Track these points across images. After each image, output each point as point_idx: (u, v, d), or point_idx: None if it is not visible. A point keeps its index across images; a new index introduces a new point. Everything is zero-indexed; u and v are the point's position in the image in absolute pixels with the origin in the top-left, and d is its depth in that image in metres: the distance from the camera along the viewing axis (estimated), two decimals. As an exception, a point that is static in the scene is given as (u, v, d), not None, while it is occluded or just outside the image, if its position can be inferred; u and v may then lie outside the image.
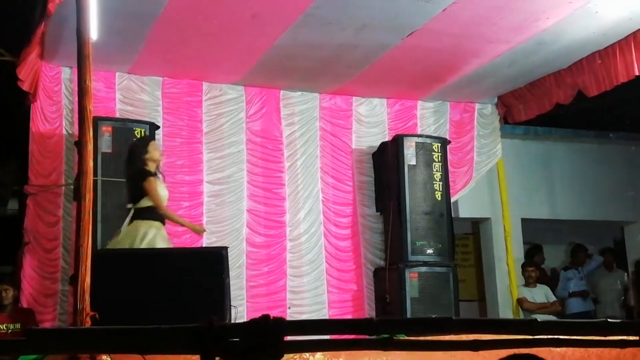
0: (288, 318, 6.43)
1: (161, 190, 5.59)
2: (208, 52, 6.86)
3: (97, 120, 6.35)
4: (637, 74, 6.67)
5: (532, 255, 8.92)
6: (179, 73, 7.36)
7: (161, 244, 5.40)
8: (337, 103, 8.12)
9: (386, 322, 2.20)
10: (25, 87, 6.53)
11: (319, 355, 3.71)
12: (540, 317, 7.15)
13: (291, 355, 2.17)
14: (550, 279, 9.11)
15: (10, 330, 6.17)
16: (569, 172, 9.27)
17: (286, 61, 7.07)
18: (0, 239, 8.54)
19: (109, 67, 6.97)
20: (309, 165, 7.89)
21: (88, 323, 3.92)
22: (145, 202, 5.47)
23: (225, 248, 5.27)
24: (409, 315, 7.09)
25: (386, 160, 7.81)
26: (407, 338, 2.27)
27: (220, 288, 4.90)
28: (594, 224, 9.64)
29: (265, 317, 1.98)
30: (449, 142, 8.04)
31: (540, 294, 8.19)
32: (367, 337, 2.22)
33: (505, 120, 8.69)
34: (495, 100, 8.61)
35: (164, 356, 2.33)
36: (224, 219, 7.40)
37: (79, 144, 4.34)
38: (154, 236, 5.38)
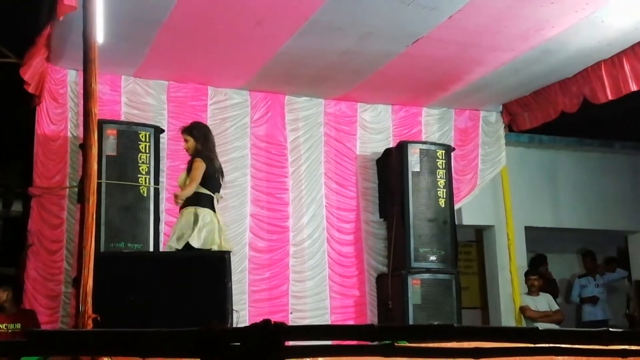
0: (290, 323, 6.43)
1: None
2: (213, 57, 6.88)
3: (102, 123, 6.37)
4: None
5: (537, 265, 8.90)
6: (185, 77, 7.38)
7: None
8: (342, 109, 8.12)
9: (387, 328, 2.20)
10: (31, 89, 6.54)
11: (320, 360, 3.71)
12: (542, 326, 7.15)
13: (292, 360, 2.17)
14: (550, 285, 9.05)
15: (10, 330, 6.19)
16: (573, 181, 9.25)
17: (291, 67, 7.09)
18: (4, 240, 8.56)
19: (115, 70, 6.99)
20: (312, 170, 7.89)
21: (90, 325, 3.92)
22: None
23: (228, 252, 5.28)
24: (411, 322, 7.08)
25: (390, 166, 7.82)
26: (408, 345, 2.27)
27: (222, 292, 4.91)
28: (598, 233, 9.62)
29: (266, 322, 1.99)
30: (453, 149, 8.05)
31: (543, 302, 8.18)
32: (369, 343, 2.22)
33: (510, 128, 8.69)
34: (500, 108, 8.61)
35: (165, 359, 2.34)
36: (226, 223, 7.39)
37: (84, 147, 4.35)
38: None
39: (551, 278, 9.33)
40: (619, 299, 9.35)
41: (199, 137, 5.97)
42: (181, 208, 5.82)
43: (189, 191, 5.69)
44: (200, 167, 5.75)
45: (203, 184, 5.76)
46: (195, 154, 5.91)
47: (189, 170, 5.85)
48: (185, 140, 6.04)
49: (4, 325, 6.23)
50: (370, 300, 7.80)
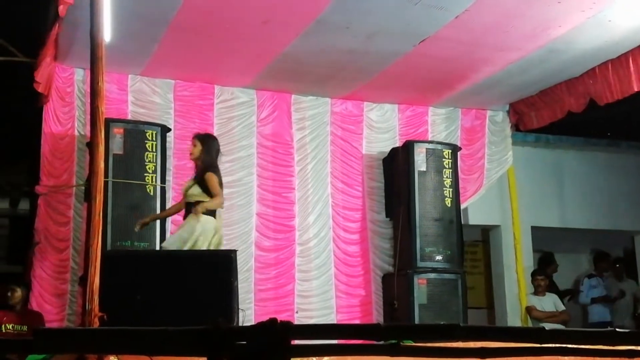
0: (296, 322, 6.43)
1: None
2: (220, 56, 6.89)
3: (108, 122, 6.36)
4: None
5: (545, 264, 8.86)
6: (191, 76, 7.39)
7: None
8: (348, 108, 8.12)
9: (393, 328, 2.20)
10: (40, 89, 6.55)
11: (325, 359, 3.71)
12: (548, 326, 7.12)
13: (298, 359, 2.18)
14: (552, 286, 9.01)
15: (16, 332, 6.21)
16: (580, 181, 9.23)
17: (298, 66, 7.09)
18: (11, 239, 8.59)
19: (122, 69, 7.01)
20: (319, 169, 7.90)
21: (96, 324, 3.93)
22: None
23: (234, 251, 5.28)
24: (416, 321, 7.08)
25: (396, 166, 7.81)
26: (414, 344, 2.27)
27: (228, 291, 4.91)
28: (605, 233, 9.60)
29: (273, 321, 1.99)
30: (460, 148, 8.04)
31: (549, 302, 8.16)
32: (375, 342, 2.22)
33: (516, 127, 8.68)
34: (507, 107, 8.60)
35: (171, 358, 2.34)
36: (233, 222, 7.40)
37: (91, 145, 4.37)
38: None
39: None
40: (625, 301, 9.29)
41: (209, 148, 5.79)
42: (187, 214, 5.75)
43: (215, 204, 5.58)
44: (216, 180, 5.62)
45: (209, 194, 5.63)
46: (204, 168, 5.72)
47: (200, 182, 5.65)
48: (194, 145, 5.86)
49: (11, 326, 6.26)
50: (376, 300, 7.81)
